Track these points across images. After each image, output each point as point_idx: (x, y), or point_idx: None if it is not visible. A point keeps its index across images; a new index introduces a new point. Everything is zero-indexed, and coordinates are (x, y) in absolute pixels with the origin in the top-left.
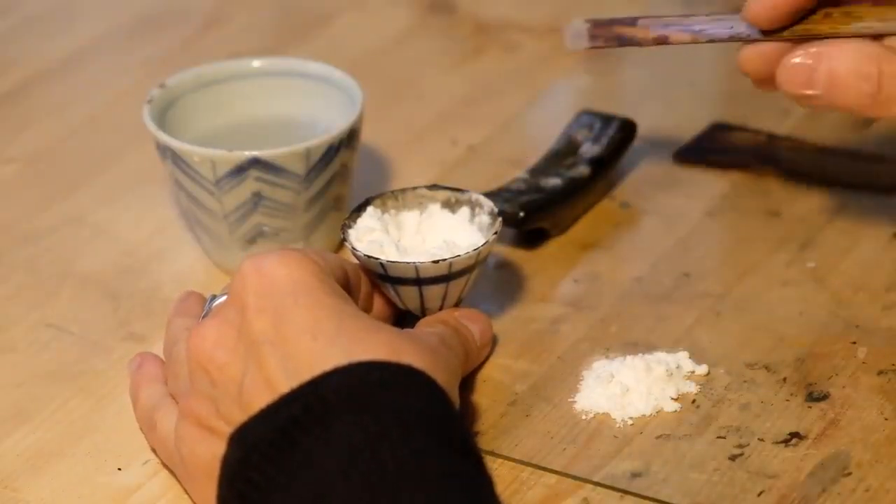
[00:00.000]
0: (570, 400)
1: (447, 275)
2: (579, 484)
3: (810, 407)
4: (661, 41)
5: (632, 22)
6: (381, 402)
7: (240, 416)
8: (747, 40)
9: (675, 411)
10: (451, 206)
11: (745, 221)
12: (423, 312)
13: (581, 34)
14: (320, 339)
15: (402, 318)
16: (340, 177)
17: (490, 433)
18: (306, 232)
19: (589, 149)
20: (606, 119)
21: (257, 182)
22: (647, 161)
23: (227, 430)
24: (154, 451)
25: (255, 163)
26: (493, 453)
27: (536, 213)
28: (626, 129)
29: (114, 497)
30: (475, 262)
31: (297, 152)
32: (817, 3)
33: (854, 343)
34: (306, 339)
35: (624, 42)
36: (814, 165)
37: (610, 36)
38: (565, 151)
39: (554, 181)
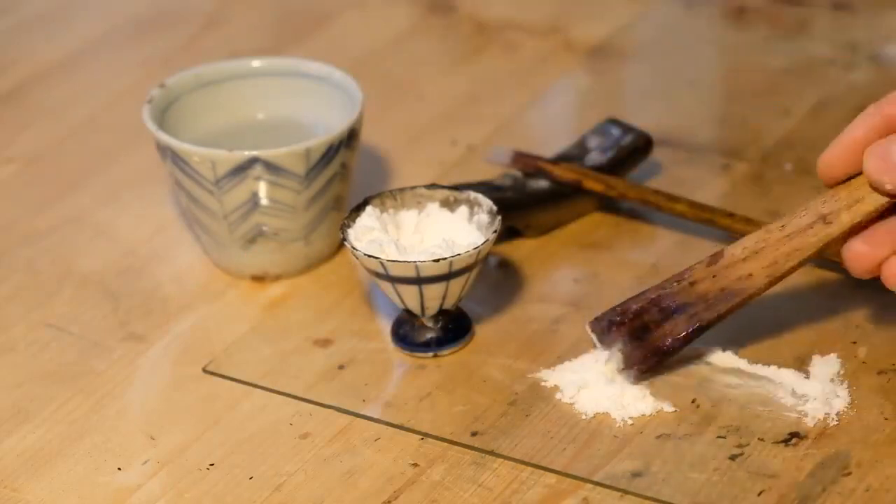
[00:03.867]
0: (570, 400)
1: (448, 273)
2: (579, 484)
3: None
4: (577, 184)
5: (555, 161)
6: None
7: None
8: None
9: (675, 411)
10: (449, 205)
11: None
12: (423, 311)
13: (502, 155)
14: None
15: None
16: (340, 177)
17: (490, 433)
18: (306, 231)
19: (595, 157)
20: (626, 130)
21: (257, 182)
22: (648, 160)
23: None
24: None
25: (255, 163)
26: (493, 453)
27: (509, 211)
28: (640, 143)
29: (114, 497)
30: (475, 260)
31: (297, 152)
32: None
33: (854, 343)
34: None
35: (542, 173)
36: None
37: (530, 165)
38: (572, 156)
39: (542, 183)
